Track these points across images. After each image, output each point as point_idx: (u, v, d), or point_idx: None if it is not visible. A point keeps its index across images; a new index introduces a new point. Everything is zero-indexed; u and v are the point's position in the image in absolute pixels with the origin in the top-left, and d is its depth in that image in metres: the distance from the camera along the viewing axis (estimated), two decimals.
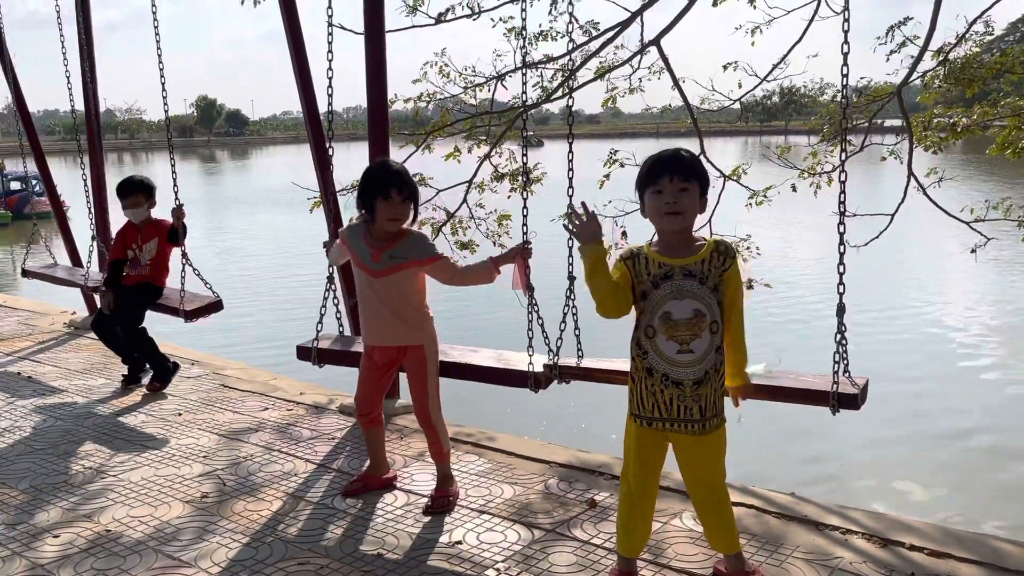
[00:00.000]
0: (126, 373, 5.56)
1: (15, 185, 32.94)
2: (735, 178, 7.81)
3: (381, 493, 3.73)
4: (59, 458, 4.25)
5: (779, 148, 8.73)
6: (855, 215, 7.75)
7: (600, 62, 8.00)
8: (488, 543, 3.25)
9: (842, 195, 3.17)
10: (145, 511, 3.59)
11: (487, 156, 8.02)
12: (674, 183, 2.67)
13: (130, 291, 5.46)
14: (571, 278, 3.64)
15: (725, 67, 8.11)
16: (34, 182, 29.51)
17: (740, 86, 8.21)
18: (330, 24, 4.64)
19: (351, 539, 3.31)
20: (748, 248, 8.03)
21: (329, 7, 4.55)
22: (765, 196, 8.04)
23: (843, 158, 3.18)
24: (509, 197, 8.11)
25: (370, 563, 3.12)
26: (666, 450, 2.85)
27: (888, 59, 8.04)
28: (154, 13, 5.57)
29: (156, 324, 5.71)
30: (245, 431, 4.60)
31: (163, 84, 5.50)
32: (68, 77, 7.02)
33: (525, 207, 4.15)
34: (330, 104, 4.73)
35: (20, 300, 9.10)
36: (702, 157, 7.77)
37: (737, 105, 8.56)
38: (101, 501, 3.70)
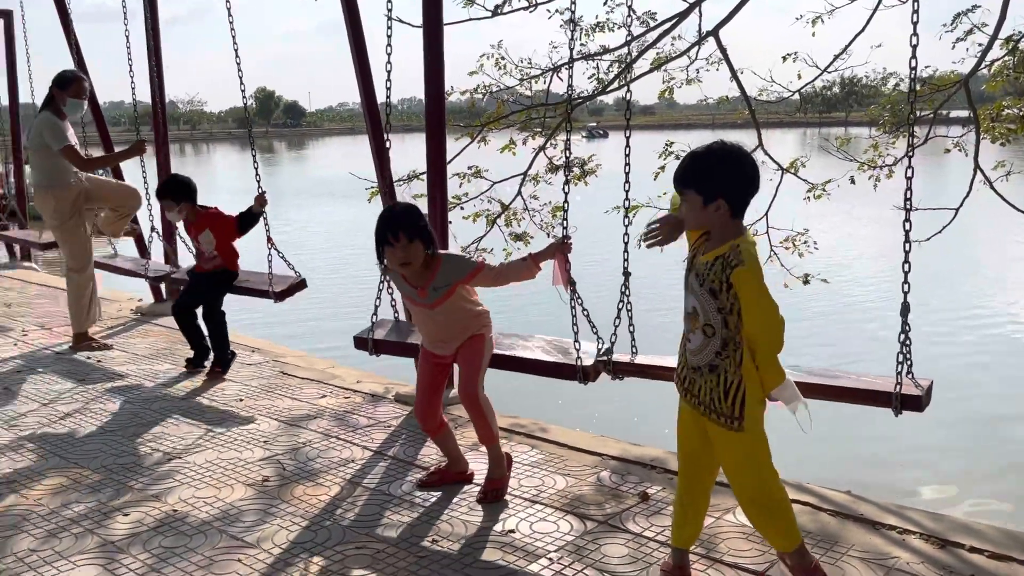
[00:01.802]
0: (191, 357, 5.73)
1: None
2: (792, 171, 7.69)
3: (454, 487, 3.74)
4: (128, 440, 4.42)
5: (839, 140, 8.56)
6: (917, 209, 7.57)
7: (657, 53, 7.94)
8: (540, 533, 3.29)
9: (908, 191, 3.11)
10: (209, 492, 3.72)
11: (542, 148, 8.05)
12: (678, 189, 2.72)
13: (207, 276, 5.66)
14: (626, 274, 3.64)
15: (785, 58, 7.99)
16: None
17: (800, 77, 8.09)
18: (389, 18, 4.70)
19: (407, 525, 3.38)
20: (805, 243, 7.92)
21: (389, 1, 4.62)
22: (824, 189, 7.91)
23: (910, 154, 3.12)
24: (565, 190, 8.14)
25: (425, 549, 3.18)
26: (710, 441, 2.83)
27: (954, 47, 7.81)
28: (228, 9, 5.76)
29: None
30: (304, 418, 4.72)
31: (240, 76, 5.69)
32: (131, 69, 7.23)
33: (566, 202, 4.18)
34: (388, 98, 4.80)
35: None
36: (759, 149, 7.71)
37: (796, 96, 8.42)
38: (168, 482, 3.85)
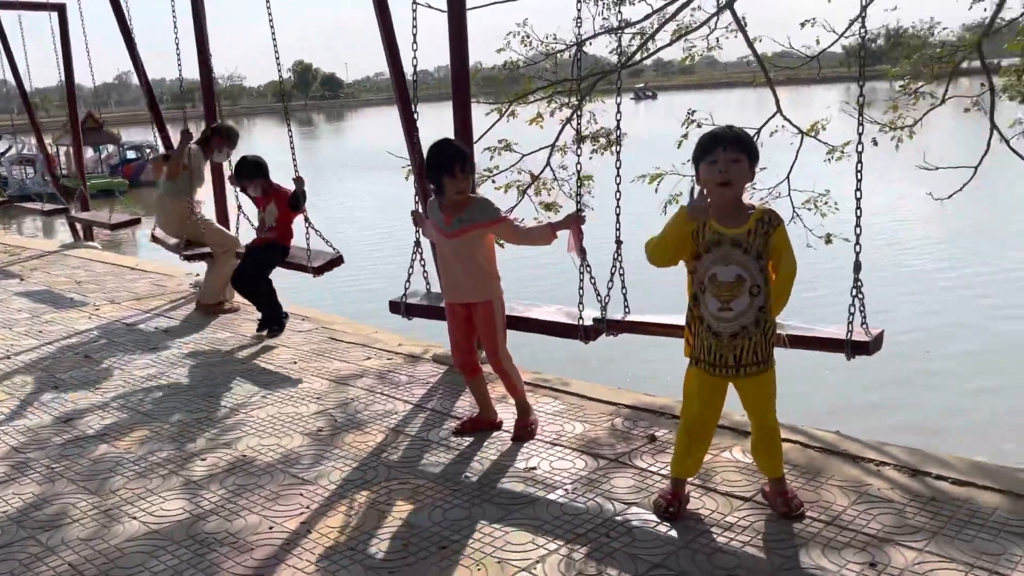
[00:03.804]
0: (261, 318, 6.34)
1: (131, 154, 35.12)
2: (813, 134, 7.98)
3: (485, 433, 4.22)
4: (198, 399, 5.00)
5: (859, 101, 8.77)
6: (937, 168, 7.85)
7: (677, 24, 8.25)
8: (559, 469, 3.78)
9: (859, 164, 3.48)
10: (272, 441, 4.28)
11: (568, 120, 8.42)
12: (728, 153, 3.06)
13: (259, 250, 6.28)
14: (618, 242, 4.06)
15: (803, 24, 8.23)
16: (148, 150, 31.53)
17: (818, 42, 8.33)
18: (415, 3, 5.07)
19: (442, 465, 3.90)
20: (826, 203, 8.21)
21: None
22: (843, 151, 8.16)
23: (860, 132, 3.49)
24: (591, 158, 8.53)
25: (458, 484, 3.69)
26: (725, 390, 3.28)
27: (971, 8, 7.99)
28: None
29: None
30: (351, 377, 5.26)
31: (276, 56, 6.09)
32: (178, 44, 7.53)
33: (579, 179, 4.60)
34: (415, 83, 5.17)
35: (149, 263, 10.10)
36: (779, 115, 8.01)
37: (816, 57, 8.62)
38: (236, 433, 4.41)
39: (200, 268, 9.15)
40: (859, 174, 3.45)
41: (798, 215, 8.09)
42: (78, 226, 12.22)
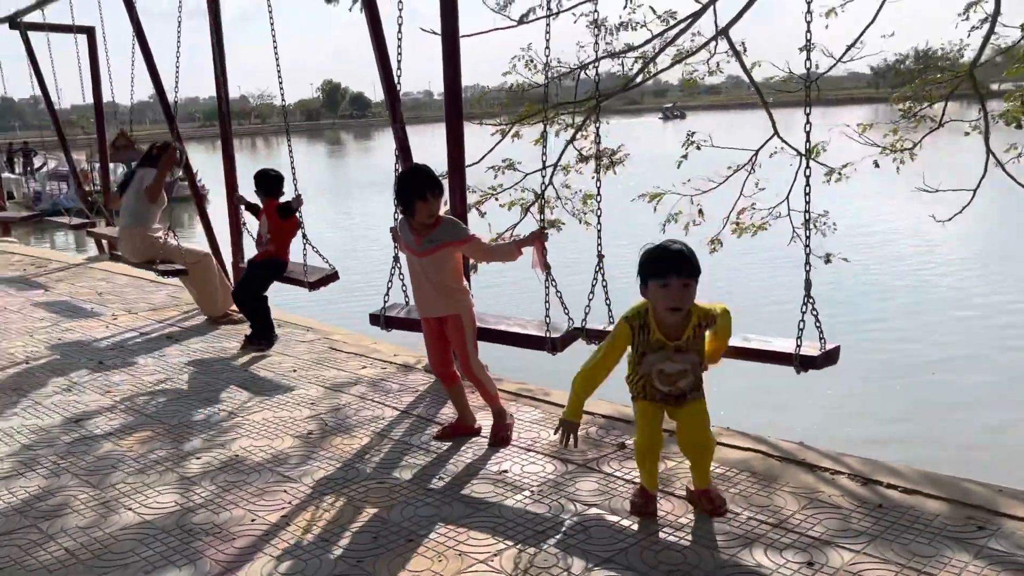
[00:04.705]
0: (248, 335, 6.60)
1: None
2: (814, 156, 8.14)
3: (465, 438, 4.45)
4: (200, 402, 5.27)
5: (860, 126, 8.95)
6: (937, 191, 8.01)
7: (677, 49, 8.49)
8: (529, 473, 3.98)
9: (807, 188, 3.67)
10: (264, 442, 4.52)
11: (571, 141, 8.67)
12: (680, 279, 3.19)
13: (259, 266, 6.58)
14: (600, 256, 4.27)
15: (801, 50, 8.41)
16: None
17: (817, 67, 8.50)
18: (400, 30, 5.26)
19: (420, 467, 4.12)
20: (825, 223, 8.37)
21: (399, 16, 5.19)
22: (840, 173, 8.33)
23: (807, 158, 3.67)
24: (594, 177, 8.76)
25: (432, 485, 3.91)
26: (663, 412, 3.51)
27: (969, 35, 8.15)
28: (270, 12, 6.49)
29: (281, 296, 6.71)
30: (345, 384, 5.50)
31: (279, 80, 6.41)
32: (177, 64, 7.79)
33: (544, 198, 4.82)
34: (398, 103, 5.41)
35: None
36: (776, 137, 8.22)
37: (804, 84, 8.81)
38: (231, 435, 4.67)
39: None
40: (807, 197, 3.64)
41: (798, 235, 8.26)
42: (103, 240, 12.62)
